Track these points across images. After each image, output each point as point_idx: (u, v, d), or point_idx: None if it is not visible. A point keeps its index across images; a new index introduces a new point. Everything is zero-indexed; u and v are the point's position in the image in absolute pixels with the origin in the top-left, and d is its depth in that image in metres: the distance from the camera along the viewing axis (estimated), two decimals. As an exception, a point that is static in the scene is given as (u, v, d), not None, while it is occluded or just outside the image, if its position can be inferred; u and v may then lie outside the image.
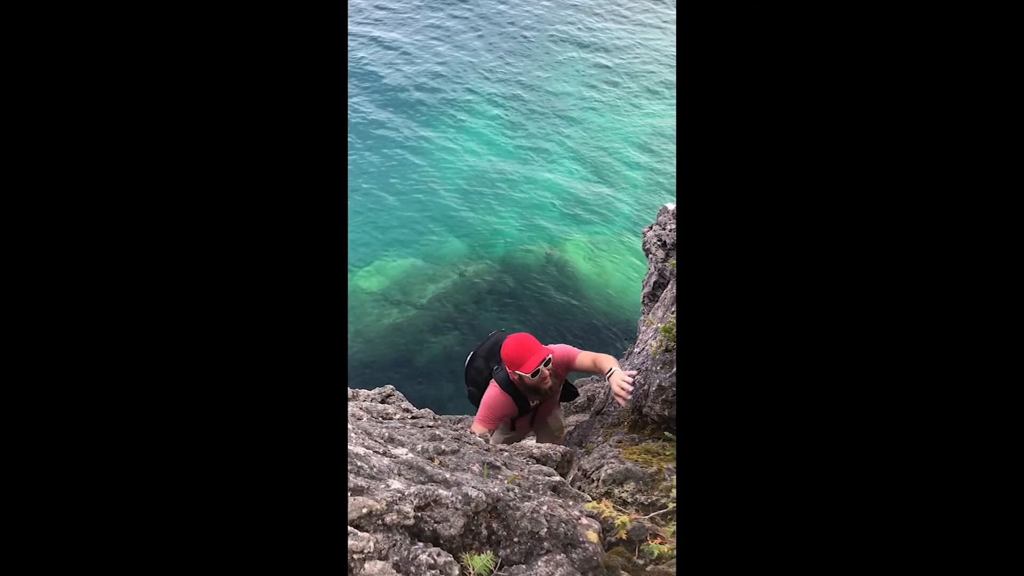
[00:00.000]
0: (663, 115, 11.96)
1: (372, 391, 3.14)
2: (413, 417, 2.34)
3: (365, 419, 2.15)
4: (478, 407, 3.21)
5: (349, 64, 12.55)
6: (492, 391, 3.09)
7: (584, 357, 3.15)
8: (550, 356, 2.92)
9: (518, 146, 11.27)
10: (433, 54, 13.29)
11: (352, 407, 2.24)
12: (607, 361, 3.02)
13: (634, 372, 2.89)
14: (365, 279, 8.83)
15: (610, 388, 3.00)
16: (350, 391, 3.10)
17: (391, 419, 2.26)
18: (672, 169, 10.14)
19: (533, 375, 2.87)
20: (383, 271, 9.00)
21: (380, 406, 2.36)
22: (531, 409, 3.19)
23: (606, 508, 1.63)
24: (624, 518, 1.55)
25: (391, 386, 3.24)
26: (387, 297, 8.62)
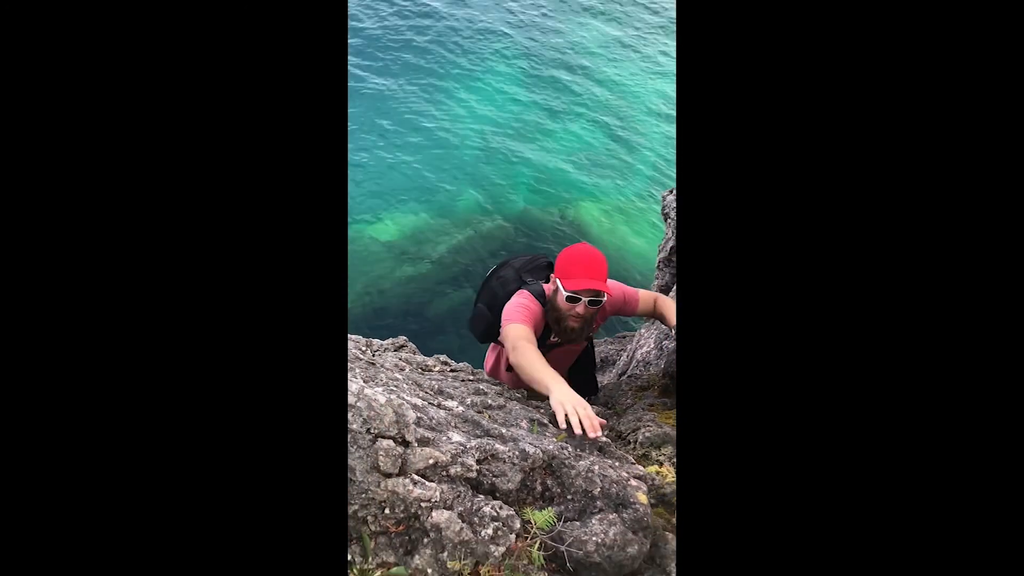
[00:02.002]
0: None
1: (385, 341, 3.14)
2: (452, 370, 2.34)
3: (407, 370, 2.16)
4: (473, 332, 2.64)
5: (369, 15, 12.23)
6: (520, 297, 2.36)
7: (647, 298, 2.53)
8: (603, 299, 2.28)
9: (537, 102, 11.08)
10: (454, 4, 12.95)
11: (393, 358, 2.24)
12: (674, 313, 2.43)
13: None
14: (379, 230, 8.79)
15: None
16: (364, 340, 3.10)
17: (431, 371, 2.26)
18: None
19: (569, 298, 2.22)
20: (398, 223, 8.96)
21: (419, 358, 2.36)
22: (550, 341, 2.53)
23: (655, 469, 1.64)
24: (672, 478, 1.55)
25: (404, 337, 3.22)
26: (400, 249, 8.61)
